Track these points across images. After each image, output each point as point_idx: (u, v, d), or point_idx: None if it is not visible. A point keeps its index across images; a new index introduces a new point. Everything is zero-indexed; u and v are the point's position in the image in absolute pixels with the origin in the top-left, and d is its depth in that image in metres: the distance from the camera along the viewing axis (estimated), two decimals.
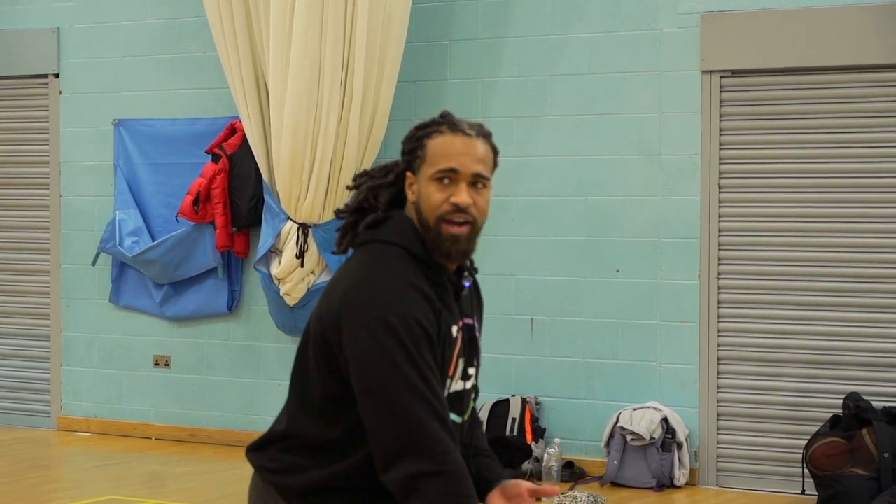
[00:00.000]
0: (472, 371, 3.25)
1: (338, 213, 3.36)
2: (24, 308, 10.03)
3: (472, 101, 8.53)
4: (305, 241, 8.47)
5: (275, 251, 8.62)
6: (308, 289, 8.54)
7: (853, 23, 7.70)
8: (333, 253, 3.31)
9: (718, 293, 8.01)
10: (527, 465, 8.02)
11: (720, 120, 7.99)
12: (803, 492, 7.63)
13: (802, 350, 7.87)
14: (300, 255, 8.46)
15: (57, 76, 9.80)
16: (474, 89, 8.58)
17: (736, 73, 7.98)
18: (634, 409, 8.01)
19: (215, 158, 9.00)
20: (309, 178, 8.33)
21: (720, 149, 8.00)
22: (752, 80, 7.96)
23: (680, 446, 7.92)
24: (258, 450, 3.27)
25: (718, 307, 8.01)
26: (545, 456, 7.95)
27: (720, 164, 8.00)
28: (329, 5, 8.12)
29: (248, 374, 9.25)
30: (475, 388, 3.32)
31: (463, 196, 3.08)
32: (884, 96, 7.72)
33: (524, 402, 8.28)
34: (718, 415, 8.04)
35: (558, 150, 8.37)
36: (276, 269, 8.56)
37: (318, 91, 8.20)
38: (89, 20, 9.67)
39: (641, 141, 8.15)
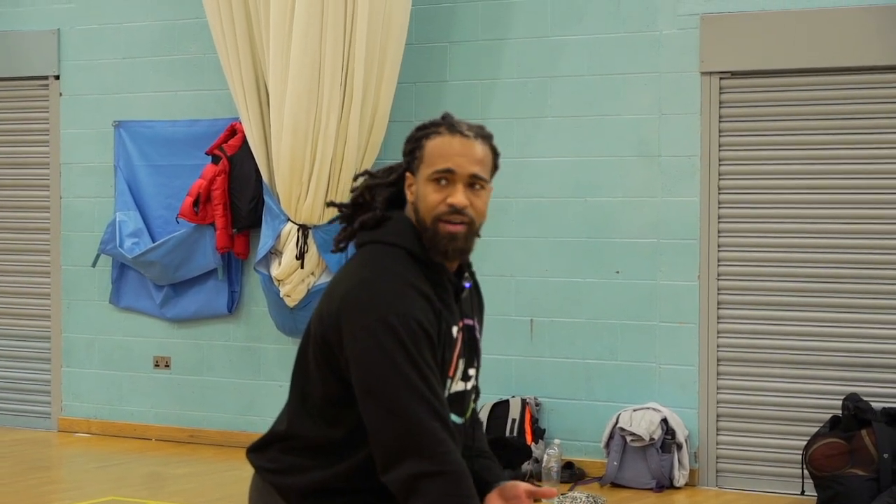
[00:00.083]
0: (472, 372, 3.26)
1: (330, 203, 3.39)
2: (24, 309, 10.04)
3: (472, 102, 8.54)
4: (305, 243, 8.48)
5: (275, 252, 8.63)
6: (308, 290, 8.55)
7: (853, 24, 7.71)
8: (332, 251, 3.31)
9: (718, 294, 8.02)
10: (526, 466, 8.03)
11: (719, 121, 8.00)
12: (803, 492, 7.64)
13: (802, 351, 7.88)
14: (300, 257, 8.46)
15: (57, 78, 9.81)
16: (474, 91, 8.59)
17: (735, 74, 7.99)
18: (634, 410, 8.01)
19: (215, 160, 9.01)
20: (309, 179, 8.34)
21: (720, 150, 8.00)
22: (752, 82, 7.96)
23: (679, 447, 7.92)
24: (259, 450, 3.27)
25: (718, 308, 8.02)
26: (545, 457, 7.95)
27: (720, 165, 8.01)
28: (329, 6, 8.12)
29: (248, 376, 9.26)
30: (475, 389, 3.33)
31: (459, 197, 3.09)
32: (884, 98, 7.73)
33: (524, 402, 8.28)
34: (718, 416, 8.05)
35: (558, 152, 8.37)
36: (276, 271, 8.56)
37: (318, 91, 8.20)
38: (89, 22, 9.68)
39: (641, 142, 8.16)
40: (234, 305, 9.25)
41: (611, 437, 8.02)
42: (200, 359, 9.41)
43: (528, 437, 8.16)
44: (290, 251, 8.49)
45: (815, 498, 7.50)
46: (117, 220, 9.39)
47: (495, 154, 3.20)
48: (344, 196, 8.29)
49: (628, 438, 7.93)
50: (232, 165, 8.95)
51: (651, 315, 8.13)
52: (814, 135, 7.85)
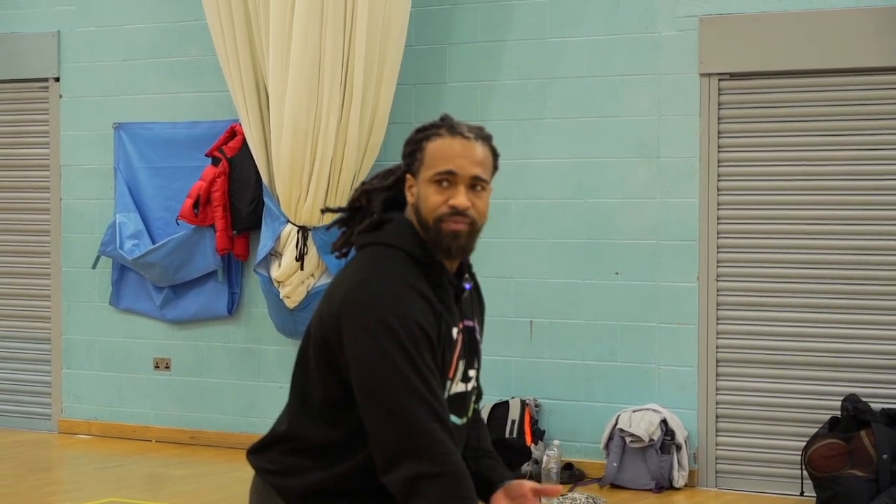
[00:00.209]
0: (472, 373, 3.26)
1: (326, 210, 3.40)
2: (24, 311, 10.04)
3: (472, 104, 8.55)
4: (305, 244, 8.49)
5: (275, 254, 8.63)
6: (308, 291, 8.56)
7: (852, 25, 7.72)
8: (336, 258, 3.32)
9: (717, 295, 8.02)
10: (526, 467, 8.03)
11: (719, 122, 8.01)
12: (802, 493, 7.65)
13: (801, 352, 7.88)
14: (300, 258, 8.47)
15: (57, 80, 9.82)
16: (473, 92, 8.59)
17: (734, 75, 8.00)
18: (633, 411, 8.02)
19: (215, 162, 9.01)
20: (309, 180, 8.34)
21: (719, 151, 8.01)
22: (751, 83, 7.97)
23: (679, 448, 7.93)
24: (259, 452, 3.28)
25: (717, 309, 8.03)
26: (544, 458, 7.96)
27: (719, 166, 8.01)
28: (328, 8, 8.13)
29: (248, 377, 9.26)
30: (476, 390, 3.33)
31: (461, 199, 3.10)
32: (882, 99, 7.74)
33: (523, 404, 8.29)
34: (717, 416, 8.05)
35: (557, 153, 8.38)
36: (275, 272, 8.57)
37: (317, 93, 8.21)
38: (90, 24, 9.69)
39: (640, 143, 8.17)
40: (234, 307, 9.26)
41: (610, 438, 8.03)
42: (200, 360, 9.41)
43: (528, 438, 8.17)
44: (289, 253, 8.50)
45: (815, 498, 7.51)
46: (117, 221, 9.40)
47: (495, 155, 3.21)
48: (343, 198, 8.30)
49: (628, 439, 7.94)
50: (232, 167, 8.95)
51: (650, 316, 8.14)
52: (813, 136, 7.86)
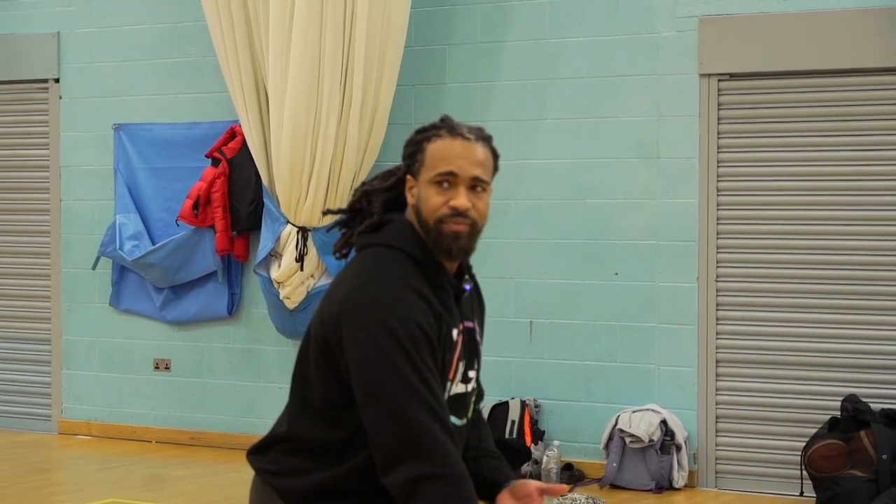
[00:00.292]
0: (472, 374, 3.26)
1: (327, 211, 3.41)
2: (24, 312, 10.05)
3: (471, 104, 8.55)
4: (305, 245, 8.49)
5: (274, 255, 8.63)
6: (308, 292, 8.56)
7: (851, 26, 7.72)
8: (336, 258, 3.32)
9: (717, 296, 8.03)
10: (526, 468, 8.04)
11: (718, 123, 8.01)
12: (802, 493, 7.65)
13: (801, 352, 7.89)
14: (300, 259, 8.48)
15: (57, 81, 9.82)
16: (473, 93, 8.60)
17: (734, 76, 8.00)
18: (633, 412, 8.02)
19: (215, 162, 9.02)
20: (308, 181, 8.35)
21: (718, 152, 8.01)
22: (751, 84, 7.98)
23: (679, 448, 7.93)
24: (259, 452, 3.28)
25: (717, 310, 8.03)
26: (544, 458, 7.96)
27: (718, 167, 8.02)
28: (328, 9, 8.13)
29: (248, 378, 9.27)
30: (476, 391, 3.33)
31: (462, 200, 3.10)
32: (882, 99, 7.74)
33: (523, 404, 8.29)
34: (717, 417, 8.06)
35: (557, 154, 8.38)
36: (275, 273, 8.57)
37: (317, 94, 8.22)
38: (89, 25, 9.69)
39: (640, 144, 8.17)
40: (233, 308, 9.26)
41: (610, 438, 8.03)
42: (200, 361, 9.42)
43: (528, 439, 8.17)
44: (289, 253, 8.50)
45: (814, 499, 7.51)
46: (117, 222, 9.40)
47: (496, 156, 3.21)
48: (343, 199, 8.30)
49: (627, 440, 7.94)
50: (231, 168, 8.96)
51: (650, 316, 8.15)
52: (812, 136, 7.86)
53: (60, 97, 9.81)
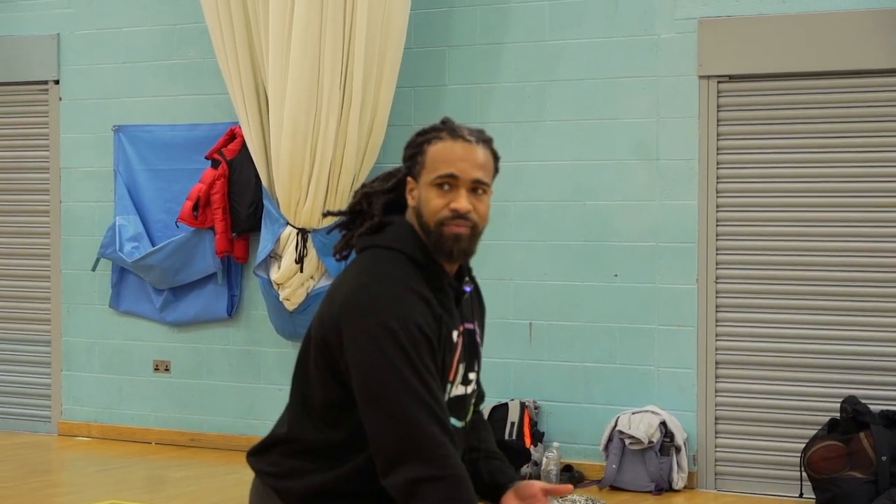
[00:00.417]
0: (472, 376, 3.27)
1: (327, 213, 3.42)
2: (24, 313, 10.05)
3: (471, 106, 8.55)
4: (305, 246, 8.49)
5: (274, 256, 8.64)
6: (307, 294, 8.56)
7: (851, 27, 7.73)
8: (337, 260, 3.33)
9: (716, 297, 8.03)
10: (525, 469, 8.04)
11: (718, 125, 8.02)
12: (801, 495, 7.65)
13: (800, 354, 7.89)
14: (299, 260, 8.48)
15: (57, 82, 9.83)
16: (472, 95, 8.60)
17: (733, 77, 8.01)
18: (633, 413, 8.03)
19: (215, 164, 9.02)
20: (308, 182, 8.35)
21: (718, 153, 8.02)
22: (750, 85, 7.98)
23: (678, 450, 7.93)
24: (259, 454, 3.28)
25: (716, 311, 8.03)
26: (544, 460, 7.96)
27: (718, 168, 8.02)
28: (328, 10, 8.14)
29: (247, 379, 9.27)
30: (476, 392, 3.34)
31: (462, 202, 3.11)
32: (882, 101, 7.74)
33: (523, 406, 8.30)
34: (716, 418, 8.06)
35: (556, 155, 8.39)
36: (275, 275, 8.58)
37: (317, 95, 8.22)
38: (89, 27, 9.69)
39: (639, 146, 8.18)
40: (233, 309, 9.26)
41: (609, 439, 8.03)
42: (200, 362, 9.42)
43: (527, 441, 8.17)
44: (289, 255, 8.51)
45: (814, 500, 7.51)
46: (117, 224, 9.41)
47: (496, 158, 3.22)
48: (343, 201, 8.31)
49: (627, 441, 7.94)
50: (231, 169, 8.96)
51: (650, 318, 8.15)
52: (812, 138, 7.86)
53: (60, 99, 9.82)
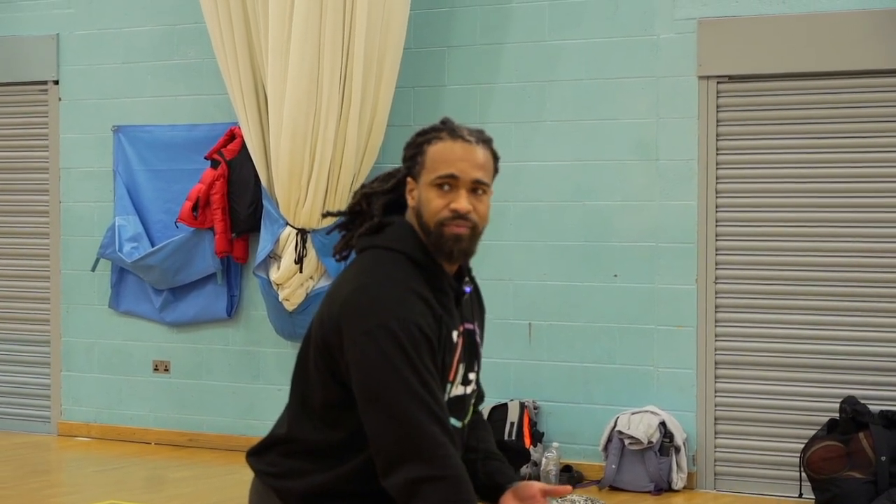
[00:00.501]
0: (472, 376, 3.27)
1: (327, 213, 3.42)
2: (23, 314, 10.05)
3: (470, 106, 8.55)
4: (304, 247, 8.49)
5: (274, 256, 8.64)
6: (307, 294, 8.56)
7: (850, 28, 7.73)
8: (336, 260, 3.33)
9: (716, 298, 8.03)
10: (525, 470, 8.04)
11: (717, 125, 8.02)
12: (801, 495, 7.65)
13: (799, 354, 7.89)
14: (299, 261, 8.48)
15: (56, 83, 9.82)
16: (472, 95, 8.60)
17: (733, 78, 8.01)
18: (632, 414, 8.03)
19: (214, 164, 9.02)
20: (307, 183, 8.35)
21: (717, 154, 8.02)
22: (749, 86, 7.98)
23: (678, 450, 7.93)
24: (258, 454, 3.28)
25: (716, 311, 8.03)
26: (543, 460, 7.96)
27: (717, 169, 8.02)
28: (327, 10, 8.14)
29: (247, 380, 9.27)
30: (476, 393, 3.34)
31: (462, 203, 3.11)
32: (882, 101, 7.74)
33: (522, 406, 8.30)
34: (716, 419, 8.06)
35: (556, 156, 8.39)
36: (275, 275, 8.58)
37: (316, 95, 8.22)
38: (89, 27, 9.69)
39: (639, 146, 8.18)
40: (233, 309, 9.26)
41: (609, 440, 8.04)
42: (199, 363, 9.42)
43: (527, 441, 8.17)
44: (288, 255, 8.51)
45: (813, 500, 7.51)
46: (116, 224, 9.41)
47: (496, 158, 3.22)
48: (343, 201, 8.31)
49: (626, 442, 7.94)
50: (231, 170, 8.96)
51: (649, 318, 8.15)
52: (811, 138, 7.86)
53: (60, 99, 9.82)
